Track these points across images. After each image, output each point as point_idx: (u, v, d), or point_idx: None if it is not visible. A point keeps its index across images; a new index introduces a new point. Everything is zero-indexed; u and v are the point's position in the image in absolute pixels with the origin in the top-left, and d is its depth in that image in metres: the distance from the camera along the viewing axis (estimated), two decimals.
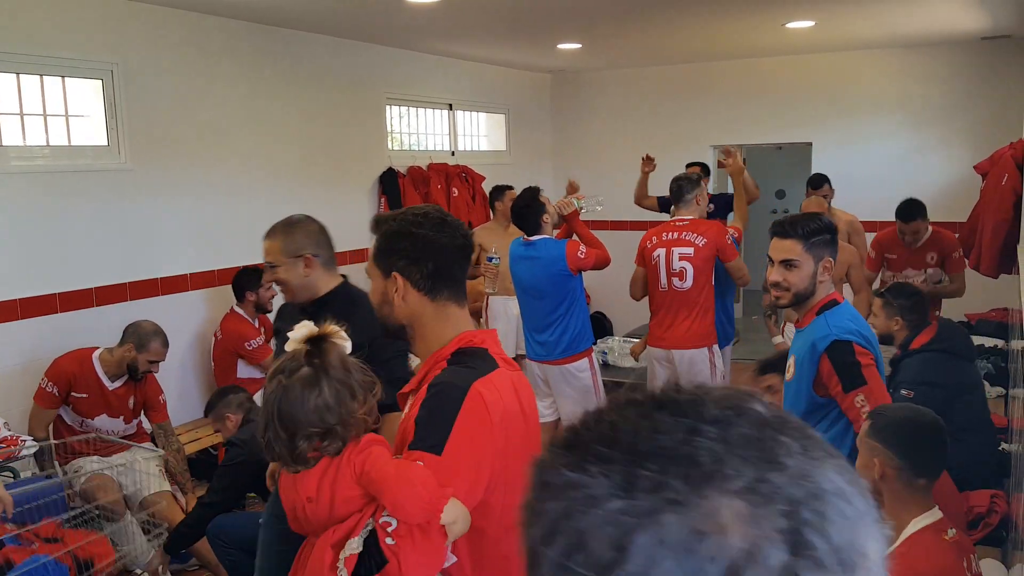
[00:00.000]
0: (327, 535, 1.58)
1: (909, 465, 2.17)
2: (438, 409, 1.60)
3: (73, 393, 4.15)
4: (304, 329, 1.67)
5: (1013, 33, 6.83)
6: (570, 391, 4.71)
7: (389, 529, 1.50)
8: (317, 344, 1.67)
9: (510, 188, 5.97)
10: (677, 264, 4.62)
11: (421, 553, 1.49)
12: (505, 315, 6.12)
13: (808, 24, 6.22)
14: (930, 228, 5.76)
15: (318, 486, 1.61)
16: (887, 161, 7.59)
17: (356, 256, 6.64)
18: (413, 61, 7.17)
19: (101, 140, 4.77)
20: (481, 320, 6.43)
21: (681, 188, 4.90)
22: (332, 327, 1.70)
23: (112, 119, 4.77)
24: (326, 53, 6.24)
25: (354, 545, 1.53)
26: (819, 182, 6.03)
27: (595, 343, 5.12)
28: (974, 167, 5.87)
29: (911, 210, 5.55)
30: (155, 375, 4.42)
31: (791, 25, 6.25)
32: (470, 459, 1.59)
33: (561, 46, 7.07)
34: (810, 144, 8.11)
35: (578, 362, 4.68)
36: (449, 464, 1.55)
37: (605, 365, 5.54)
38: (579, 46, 7.08)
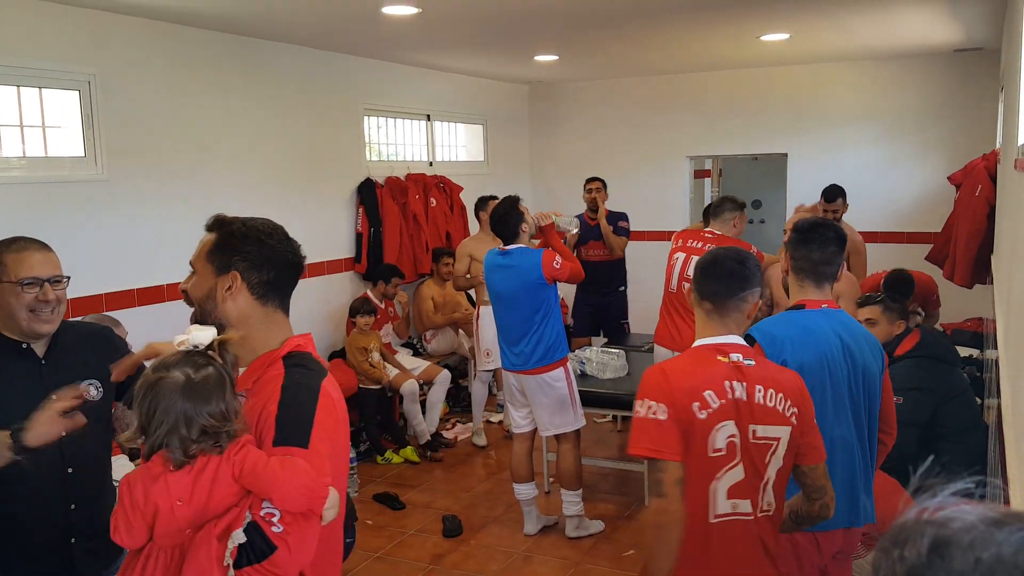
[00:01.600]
0: (208, 529, 1.62)
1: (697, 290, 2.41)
2: (298, 407, 1.71)
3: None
4: (211, 332, 1.73)
5: (985, 46, 6.94)
6: (546, 400, 4.72)
7: (274, 519, 1.59)
8: (221, 347, 1.74)
9: (494, 198, 6.00)
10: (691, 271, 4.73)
11: (306, 539, 1.62)
12: (493, 325, 6.13)
13: (783, 37, 6.29)
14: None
15: (193, 486, 1.63)
16: (862, 172, 7.68)
17: (333, 266, 6.63)
18: (391, 72, 7.17)
19: (78, 151, 4.74)
20: (472, 329, 6.45)
21: (722, 205, 5.21)
22: (231, 334, 1.78)
23: (89, 130, 4.74)
24: (304, 64, 6.23)
25: (239, 537, 1.59)
26: (832, 196, 6.00)
27: (571, 352, 5.14)
28: (948, 178, 5.96)
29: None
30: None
31: (766, 38, 6.31)
32: (330, 451, 1.72)
33: (538, 58, 7.10)
34: (785, 155, 8.19)
35: (554, 371, 4.68)
36: (316, 457, 1.66)
37: (583, 375, 5.54)
38: (556, 58, 7.12)
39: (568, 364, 4.75)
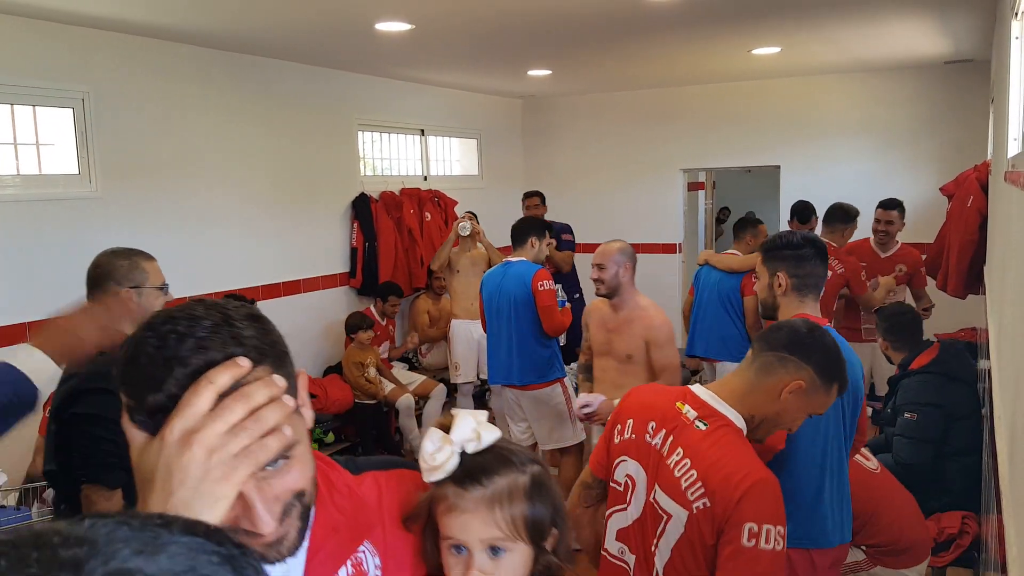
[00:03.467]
0: None
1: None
2: None
3: None
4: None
5: (975, 57, 6.98)
6: (544, 416, 4.74)
7: None
8: None
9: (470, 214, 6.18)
10: None
11: None
12: (467, 338, 6.20)
13: (774, 50, 6.32)
14: (899, 242, 5.93)
15: None
16: (854, 183, 7.71)
17: (328, 281, 6.63)
18: (384, 87, 7.20)
19: (72, 168, 4.74)
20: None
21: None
22: None
23: (83, 147, 4.74)
24: (297, 80, 6.25)
25: None
26: (805, 216, 6.04)
27: (568, 366, 5.15)
28: (940, 189, 5.98)
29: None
30: None
31: (757, 51, 6.35)
32: None
33: (531, 72, 7.13)
34: (778, 167, 8.22)
35: (550, 388, 4.70)
36: None
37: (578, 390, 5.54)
38: (549, 72, 7.15)
39: (565, 381, 4.77)
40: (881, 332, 4.52)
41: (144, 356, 0.89)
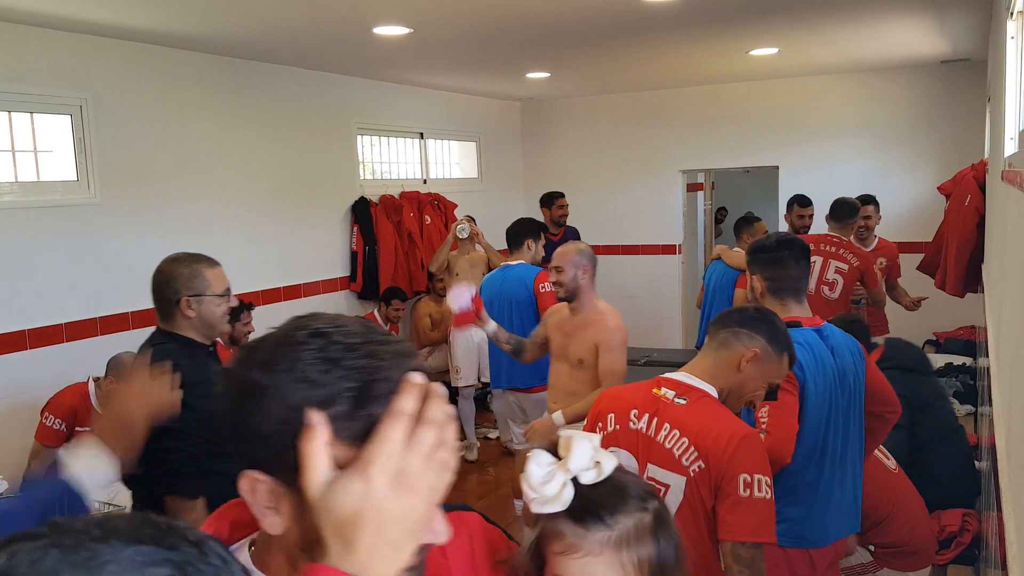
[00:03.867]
0: None
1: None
2: None
3: (77, 428, 4.13)
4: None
5: (972, 56, 6.99)
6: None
7: None
8: None
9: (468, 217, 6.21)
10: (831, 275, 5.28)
11: None
12: (467, 341, 6.21)
13: (771, 51, 6.33)
14: (877, 236, 6.00)
15: None
16: (853, 183, 7.70)
17: (329, 285, 6.64)
18: (383, 91, 7.21)
19: (71, 175, 4.75)
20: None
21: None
22: None
23: (81, 154, 4.75)
24: (296, 85, 6.26)
25: None
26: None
27: None
28: (937, 188, 5.99)
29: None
30: None
31: (755, 52, 6.36)
32: None
33: (530, 75, 7.14)
34: (777, 168, 8.23)
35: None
36: None
37: None
38: (547, 75, 7.16)
39: None
40: None
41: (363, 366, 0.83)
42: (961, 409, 5.48)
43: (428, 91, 7.76)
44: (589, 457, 1.07)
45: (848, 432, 2.67)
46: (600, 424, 2.23)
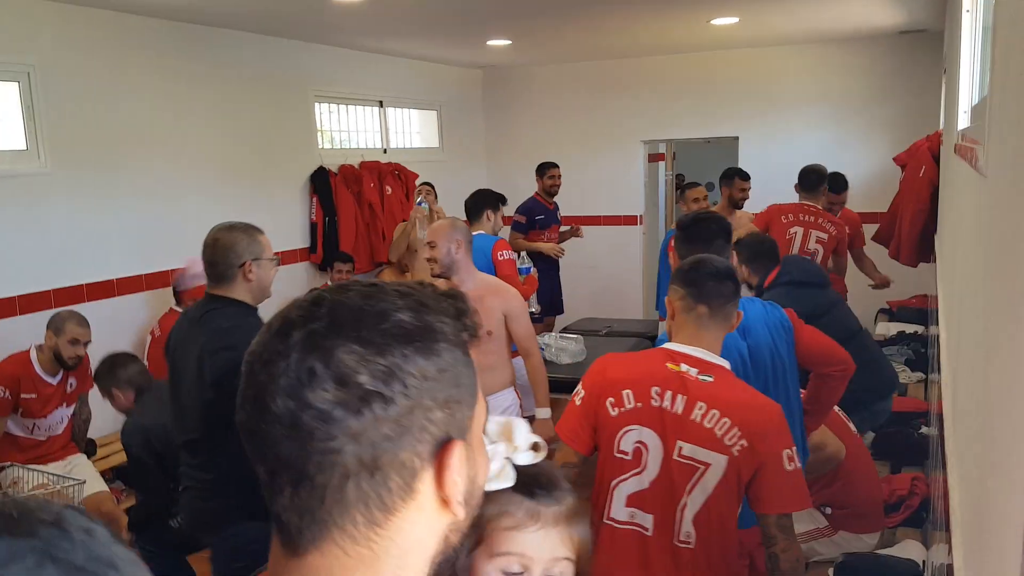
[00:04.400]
0: None
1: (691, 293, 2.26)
2: None
3: (22, 395, 4.08)
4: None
5: (929, 27, 7.06)
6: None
7: None
8: None
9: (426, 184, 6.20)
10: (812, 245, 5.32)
11: None
12: None
13: (732, 21, 6.35)
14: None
15: None
16: (811, 153, 7.75)
17: (289, 256, 6.58)
18: (341, 58, 7.11)
19: (20, 144, 4.64)
20: None
21: (812, 177, 5.64)
22: None
23: (31, 122, 4.64)
24: (250, 51, 6.15)
25: None
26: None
27: (540, 336, 5.18)
28: (893, 159, 6.07)
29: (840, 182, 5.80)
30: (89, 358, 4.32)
31: (716, 22, 6.37)
32: None
33: (491, 42, 7.09)
34: (737, 138, 8.28)
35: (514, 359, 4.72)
36: None
37: (544, 362, 5.57)
38: (508, 42, 7.11)
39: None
40: (743, 261, 4.55)
41: None
42: (912, 376, 5.61)
43: (387, 58, 7.66)
44: (528, 439, 1.07)
45: (790, 406, 2.68)
46: (612, 399, 2.17)
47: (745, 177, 6.07)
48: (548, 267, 6.77)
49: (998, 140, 1.31)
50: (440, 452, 0.78)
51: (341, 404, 0.73)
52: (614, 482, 2.17)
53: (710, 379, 2.14)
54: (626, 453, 2.15)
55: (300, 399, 0.73)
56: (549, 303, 7.09)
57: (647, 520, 2.14)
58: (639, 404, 2.15)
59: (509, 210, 7.17)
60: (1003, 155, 1.21)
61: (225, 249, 2.82)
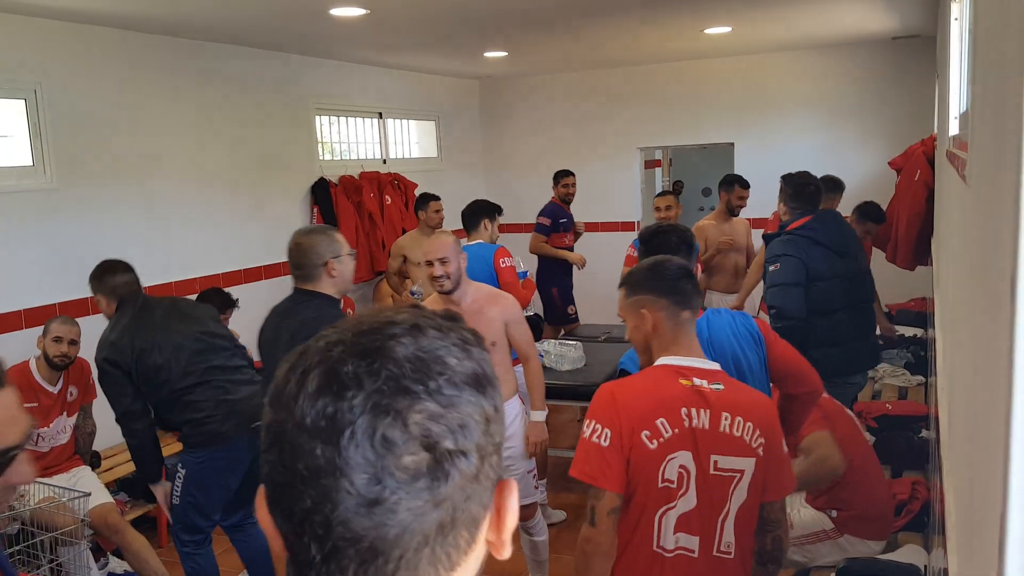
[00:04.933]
0: None
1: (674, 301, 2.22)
2: None
3: (24, 405, 4.10)
4: None
5: (921, 33, 7.12)
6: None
7: None
8: None
9: (435, 198, 6.13)
10: None
11: None
12: None
13: (725, 30, 6.41)
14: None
15: None
16: (805, 159, 7.80)
17: (289, 268, 6.61)
18: (341, 71, 7.17)
19: (26, 160, 4.69)
20: None
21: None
22: None
23: (37, 138, 4.69)
24: (253, 65, 6.21)
25: None
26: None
27: (539, 343, 5.21)
28: (888, 163, 6.12)
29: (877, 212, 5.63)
30: (84, 360, 4.33)
31: (709, 31, 6.43)
32: None
33: (488, 54, 7.15)
34: (732, 144, 8.33)
35: (517, 366, 4.74)
36: None
37: (543, 368, 5.61)
38: (505, 54, 7.17)
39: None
40: (785, 197, 4.56)
41: None
42: (912, 380, 5.64)
43: (386, 70, 7.73)
44: None
45: None
46: (647, 432, 2.08)
47: (745, 185, 6.10)
48: (564, 273, 6.91)
49: (979, 150, 1.35)
50: (496, 494, 0.74)
51: (428, 472, 0.67)
52: (660, 511, 2.11)
53: (721, 387, 2.14)
54: (671, 481, 2.10)
55: (380, 472, 0.66)
56: (563, 312, 7.13)
57: (693, 542, 2.12)
58: (676, 431, 2.09)
59: (515, 215, 7.24)
60: (984, 166, 1.25)
61: (308, 251, 3.15)
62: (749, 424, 2.10)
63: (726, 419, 2.09)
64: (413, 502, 0.67)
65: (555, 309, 7.08)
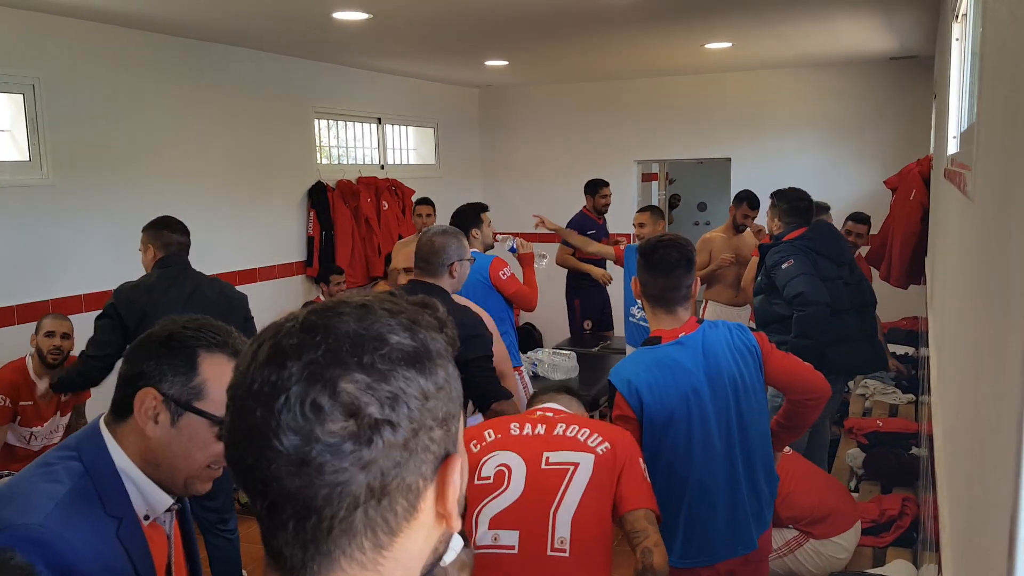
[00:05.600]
0: None
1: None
2: None
3: (20, 403, 4.09)
4: None
5: (919, 54, 7.17)
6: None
7: None
8: None
9: (428, 203, 6.18)
10: None
11: None
12: None
13: (725, 45, 6.44)
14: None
15: None
16: (802, 176, 7.83)
17: (284, 270, 6.62)
18: (341, 75, 7.18)
19: (23, 155, 4.67)
20: None
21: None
22: None
23: (34, 134, 4.68)
24: (252, 67, 6.21)
25: None
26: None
27: (525, 355, 5.21)
28: (884, 182, 6.15)
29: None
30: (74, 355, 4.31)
31: (710, 46, 6.46)
32: None
33: (488, 63, 7.16)
34: (729, 159, 8.36)
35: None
36: None
37: (535, 376, 5.61)
38: (506, 63, 7.19)
39: (523, 371, 4.81)
40: (777, 213, 4.63)
41: None
42: (903, 398, 5.66)
43: (386, 76, 7.73)
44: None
45: (732, 453, 2.56)
46: (474, 441, 2.32)
47: (753, 206, 6.13)
48: (595, 283, 6.85)
49: (985, 165, 1.36)
50: (441, 469, 0.79)
51: (351, 437, 0.72)
52: (478, 508, 2.20)
53: (566, 412, 2.50)
54: (487, 478, 2.24)
55: (308, 435, 0.72)
56: (599, 320, 7.10)
57: (511, 536, 2.14)
58: (499, 435, 2.35)
59: (511, 224, 7.23)
60: (990, 180, 1.26)
61: (440, 250, 3.31)
62: (586, 430, 2.27)
63: (561, 427, 2.29)
64: (339, 463, 0.72)
65: (573, 322, 7.06)
